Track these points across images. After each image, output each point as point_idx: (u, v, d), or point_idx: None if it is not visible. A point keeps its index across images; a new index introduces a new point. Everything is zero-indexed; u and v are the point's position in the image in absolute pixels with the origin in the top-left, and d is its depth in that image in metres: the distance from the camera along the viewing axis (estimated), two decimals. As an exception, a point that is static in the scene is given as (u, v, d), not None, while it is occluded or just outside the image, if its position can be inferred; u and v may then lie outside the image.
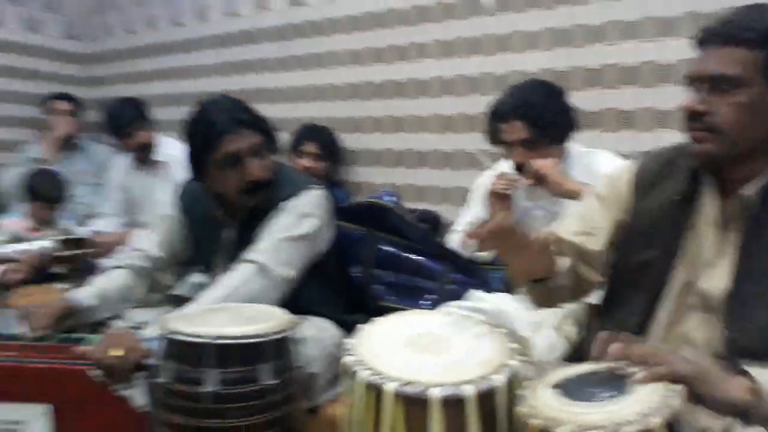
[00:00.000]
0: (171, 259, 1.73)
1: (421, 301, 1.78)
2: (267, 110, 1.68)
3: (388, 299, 1.79)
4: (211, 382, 1.02)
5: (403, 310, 1.46)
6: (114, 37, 3.77)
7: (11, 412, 1.16)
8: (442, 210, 2.54)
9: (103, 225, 2.81)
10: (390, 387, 0.89)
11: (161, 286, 1.75)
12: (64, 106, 3.29)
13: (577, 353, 1.26)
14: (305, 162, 2.55)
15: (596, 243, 1.19)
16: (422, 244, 1.88)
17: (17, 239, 2.08)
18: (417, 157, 2.67)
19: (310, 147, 2.59)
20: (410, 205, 2.59)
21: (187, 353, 1.04)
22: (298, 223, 1.54)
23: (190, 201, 1.71)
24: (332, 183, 2.65)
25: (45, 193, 2.48)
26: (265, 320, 1.13)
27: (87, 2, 3.81)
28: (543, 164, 1.71)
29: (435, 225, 2.42)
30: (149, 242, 1.75)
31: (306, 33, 2.93)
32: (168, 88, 3.49)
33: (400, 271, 1.84)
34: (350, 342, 1.01)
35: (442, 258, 1.85)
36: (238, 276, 1.44)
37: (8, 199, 2.93)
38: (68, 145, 3.28)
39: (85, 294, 1.59)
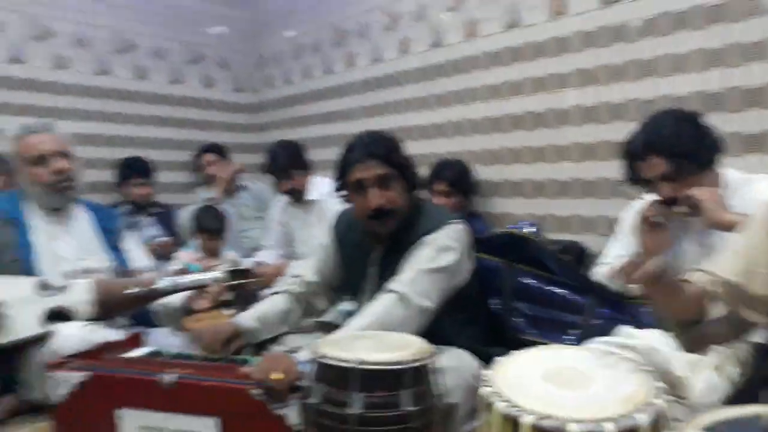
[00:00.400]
0: (325, 285, 1.87)
1: (564, 336, 1.74)
2: (409, 148, 1.78)
3: (528, 333, 1.78)
4: (356, 405, 1.09)
5: (544, 344, 1.44)
6: (274, 87, 4.18)
7: (187, 423, 1.32)
8: (586, 240, 2.46)
9: (265, 256, 3.09)
10: (527, 420, 0.89)
11: (316, 309, 1.89)
12: (209, 157, 3.72)
13: (739, 396, 1.16)
14: (437, 200, 2.62)
15: (762, 284, 1.10)
16: (565, 276, 1.84)
17: (188, 270, 2.37)
18: (557, 187, 2.62)
19: (440, 185, 2.67)
20: (552, 236, 2.55)
21: (334, 376, 1.13)
22: (437, 256, 1.60)
23: (343, 229, 1.84)
24: (470, 215, 2.69)
25: (208, 226, 2.81)
26: (405, 348, 1.19)
27: (252, 59, 4.28)
28: (699, 192, 1.61)
29: (579, 256, 2.36)
30: (306, 268, 1.90)
31: (446, 72, 3.03)
32: (322, 130, 3.79)
33: (540, 304, 1.82)
34: (488, 373, 1.02)
35: (588, 291, 1.80)
36: (380, 305, 1.53)
37: (186, 234, 3.35)
38: (235, 185, 3.68)
39: (248, 317, 1.76)
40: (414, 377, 1.13)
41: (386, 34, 3.34)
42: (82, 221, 2.12)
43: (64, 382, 1.42)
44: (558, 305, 1.80)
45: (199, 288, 1.92)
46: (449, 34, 3.01)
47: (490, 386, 0.97)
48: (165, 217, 3.47)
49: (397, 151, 1.70)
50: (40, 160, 2.00)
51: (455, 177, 2.70)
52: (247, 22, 4.22)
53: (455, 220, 1.69)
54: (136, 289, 1.83)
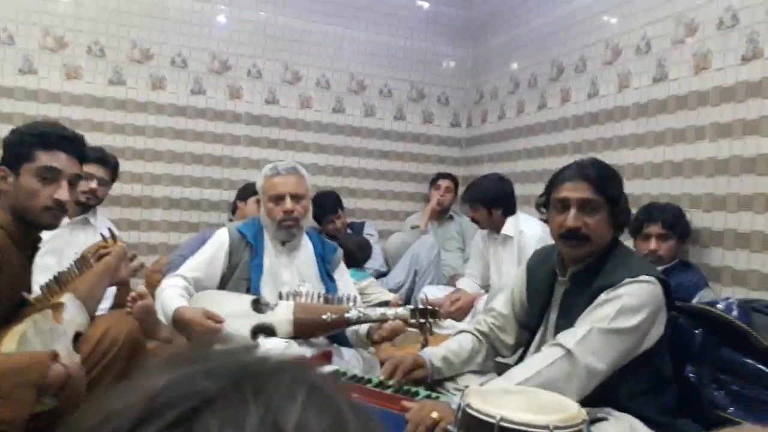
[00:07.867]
0: (514, 319, 1.85)
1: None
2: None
3: (724, 408, 1.57)
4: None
5: (738, 423, 1.27)
6: (487, 122, 4.26)
7: None
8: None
9: (465, 284, 3.19)
10: None
11: (504, 345, 1.86)
12: (444, 183, 3.90)
13: None
14: (646, 245, 2.42)
15: None
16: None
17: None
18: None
19: (653, 227, 2.42)
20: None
21: (476, 428, 1.16)
22: (619, 317, 1.48)
23: (535, 264, 1.83)
24: (683, 265, 2.44)
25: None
26: (556, 411, 1.17)
27: (470, 95, 4.43)
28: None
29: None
30: (498, 302, 1.91)
31: (668, 108, 2.80)
32: (530, 165, 3.76)
33: (747, 380, 1.59)
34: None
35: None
36: (544, 359, 1.48)
37: (394, 259, 3.59)
38: (442, 215, 3.85)
39: (436, 355, 1.79)
40: (557, 443, 1.10)
41: (605, 69, 3.21)
42: (306, 250, 2.41)
43: None
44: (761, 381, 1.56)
45: (384, 321, 2.08)
46: (675, 68, 2.78)
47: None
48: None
49: (613, 184, 1.62)
50: (277, 199, 2.27)
51: (671, 220, 2.46)
52: (470, 60, 4.40)
53: (652, 276, 1.54)
54: (330, 316, 2.06)
